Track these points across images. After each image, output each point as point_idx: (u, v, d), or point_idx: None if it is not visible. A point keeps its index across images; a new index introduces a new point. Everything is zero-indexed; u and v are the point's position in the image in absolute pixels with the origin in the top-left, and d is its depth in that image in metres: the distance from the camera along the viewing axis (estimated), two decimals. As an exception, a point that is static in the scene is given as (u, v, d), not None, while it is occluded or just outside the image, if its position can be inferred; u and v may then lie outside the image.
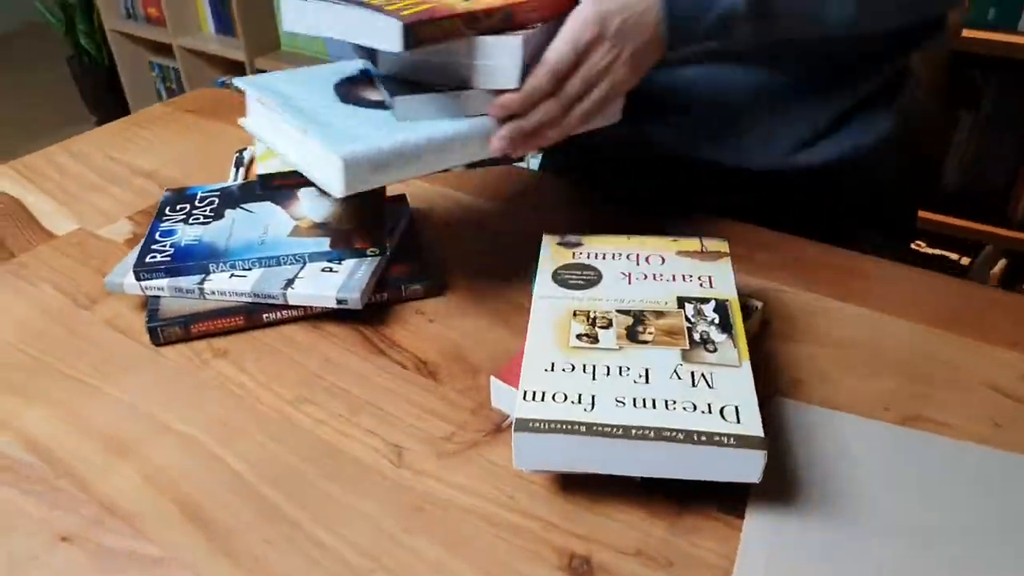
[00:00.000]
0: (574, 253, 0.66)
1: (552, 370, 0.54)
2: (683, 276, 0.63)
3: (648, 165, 0.90)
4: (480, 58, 0.61)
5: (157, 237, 0.71)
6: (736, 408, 0.51)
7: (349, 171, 0.58)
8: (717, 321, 0.58)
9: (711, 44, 0.67)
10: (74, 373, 0.65)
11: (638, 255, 0.66)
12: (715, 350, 0.55)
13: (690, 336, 0.57)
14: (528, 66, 0.62)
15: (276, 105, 0.63)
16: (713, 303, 0.60)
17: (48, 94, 3.43)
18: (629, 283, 0.62)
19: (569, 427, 0.50)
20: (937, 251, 1.71)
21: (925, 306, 0.70)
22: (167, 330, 0.66)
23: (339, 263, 0.70)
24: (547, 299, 0.61)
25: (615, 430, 0.50)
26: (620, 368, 0.54)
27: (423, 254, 0.75)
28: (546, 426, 0.50)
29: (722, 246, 0.66)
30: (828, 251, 0.78)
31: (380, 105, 0.64)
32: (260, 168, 0.66)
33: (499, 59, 0.60)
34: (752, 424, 0.50)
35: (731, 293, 0.61)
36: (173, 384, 0.63)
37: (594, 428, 0.50)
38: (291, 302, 0.67)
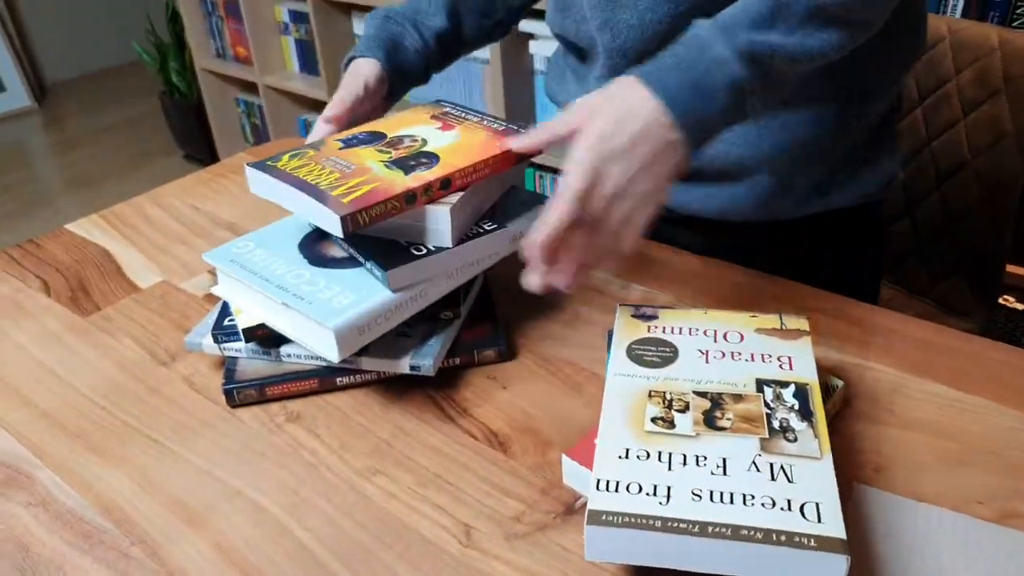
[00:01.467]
0: (649, 327, 0.64)
1: (626, 457, 0.53)
2: (762, 356, 0.60)
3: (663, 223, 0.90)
4: (417, 221, 0.67)
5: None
6: (817, 506, 0.48)
7: (341, 340, 0.62)
8: (797, 407, 0.55)
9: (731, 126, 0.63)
10: (151, 433, 0.66)
11: (715, 331, 0.63)
12: (795, 439, 0.53)
13: (769, 423, 0.54)
14: (464, 225, 0.68)
15: (252, 283, 0.67)
16: (793, 387, 0.57)
17: (140, 128, 3.59)
18: (706, 362, 0.60)
19: (643, 522, 0.48)
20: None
21: (1020, 390, 0.66)
22: (242, 392, 0.67)
23: (412, 327, 0.70)
24: (621, 377, 0.59)
25: (691, 527, 0.48)
26: (697, 457, 0.52)
27: (497, 318, 0.74)
28: (619, 520, 0.49)
29: (802, 324, 0.64)
30: (913, 323, 0.74)
31: (346, 263, 0.69)
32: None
33: (433, 224, 0.66)
34: (834, 524, 0.47)
35: (812, 376, 0.58)
36: (246, 448, 0.64)
37: (669, 524, 0.48)
38: (364, 367, 0.67)
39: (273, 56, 2.69)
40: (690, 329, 0.64)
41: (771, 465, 0.51)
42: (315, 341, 0.64)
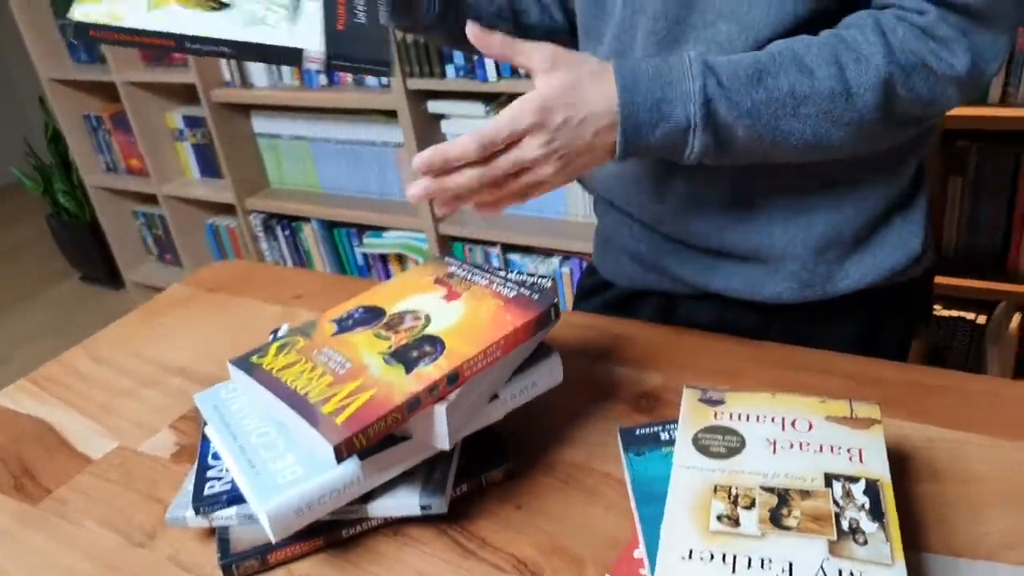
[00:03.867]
0: (716, 412, 0.62)
1: (690, 558, 0.50)
2: (831, 447, 0.58)
3: (674, 299, 0.88)
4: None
5: (210, 461, 0.66)
6: None
7: (275, 522, 0.58)
8: (867, 506, 0.52)
9: (667, 157, 0.67)
10: (144, 632, 0.58)
11: (784, 419, 0.61)
12: (865, 543, 0.50)
13: (838, 523, 0.51)
14: (463, 420, 0.63)
15: (220, 439, 0.63)
16: (863, 483, 0.54)
17: (28, 254, 3.41)
18: (774, 452, 0.58)
19: None
20: (953, 312, 1.70)
21: (1014, 421, 0.66)
22: (242, 564, 0.61)
23: (413, 460, 0.65)
24: (688, 469, 0.57)
25: None
26: (763, 560, 0.49)
27: (497, 433, 0.70)
28: None
29: (873, 411, 0.61)
30: (895, 366, 0.74)
31: None
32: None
33: (426, 422, 0.61)
34: None
35: (883, 472, 0.55)
36: (256, 630, 0.57)
37: None
38: (372, 514, 0.62)
39: (169, 164, 2.61)
40: (758, 416, 0.61)
41: (839, 571, 0.48)
42: (256, 511, 0.59)
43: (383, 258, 2.37)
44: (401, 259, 2.33)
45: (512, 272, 0.72)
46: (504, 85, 1.83)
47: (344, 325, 0.66)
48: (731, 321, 0.83)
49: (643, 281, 0.89)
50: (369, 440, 0.56)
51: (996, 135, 1.54)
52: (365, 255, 2.39)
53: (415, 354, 0.62)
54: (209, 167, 2.56)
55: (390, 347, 0.63)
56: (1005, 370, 1.67)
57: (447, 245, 2.17)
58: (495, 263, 2.15)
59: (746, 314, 0.83)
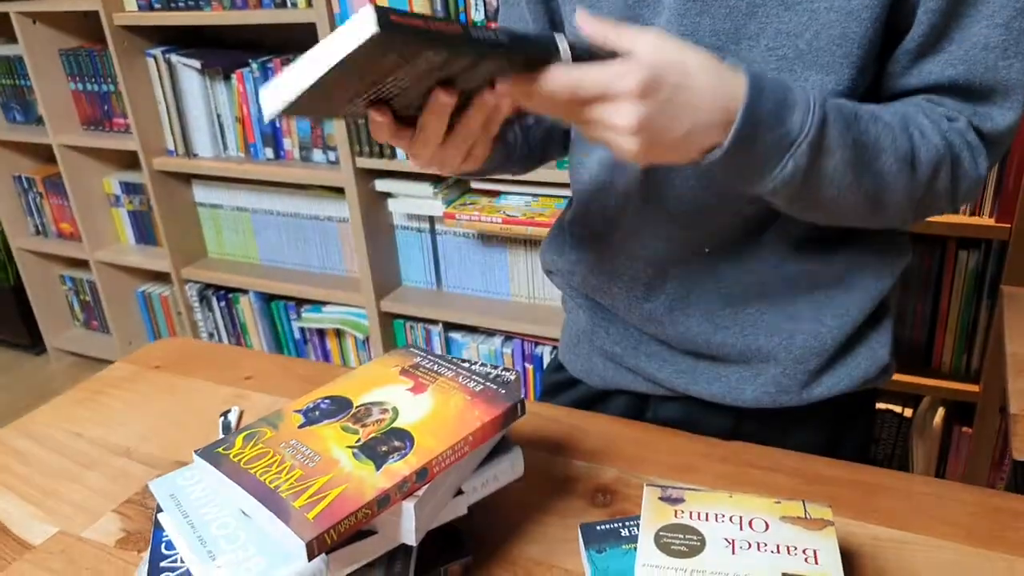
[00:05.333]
0: (676, 511, 0.63)
1: None
2: (788, 548, 0.60)
3: (644, 399, 0.90)
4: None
5: (163, 551, 0.64)
6: None
7: None
8: None
9: (751, 177, 0.62)
10: None
11: (741, 518, 0.63)
12: None
13: None
14: (431, 515, 0.62)
15: (179, 531, 0.61)
16: None
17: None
18: (733, 552, 0.59)
19: None
20: (882, 405, 1.77)
21: (951, 522, 0.70)
22: (194, 664, 0.58)
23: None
24: (651, 568, 0.58)
25: None
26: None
27: (457, 525, 0.70)
28: None
29: (826, 513, 0.63)
30: (839, 465, 0.78)
31: None
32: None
33: (393, 518, 0.60)
34: None
35: (837, 573, 0.58)
36: None
37: None
38: (333, 612, 0.61)
39: (103, 230, 2.55)
40: (716, 515, 0.63)
41: None
42: None
43: (320, 333, 2.34)
44: (339, 335, 2.31)
45: (475, 364, 0.74)
46: (453, 169, 1.87)
47: (311, 417, 0.66)
48: (701, 422, 0.85)
49: (615, 381, 0.90)
50: (339, 536, 0.56)
51: (923, 237, 1.62)
52: (302, 329, 2.36)
53: (384, 449, 0.62)
54: (145, 234, 2.52)
55: (358, 440, 0.63)
56: (930, 463, 1.74)
57: (388, 322, 2.17)
58: (436, 343, 2.15)
59: (717, 416, 0.85)
